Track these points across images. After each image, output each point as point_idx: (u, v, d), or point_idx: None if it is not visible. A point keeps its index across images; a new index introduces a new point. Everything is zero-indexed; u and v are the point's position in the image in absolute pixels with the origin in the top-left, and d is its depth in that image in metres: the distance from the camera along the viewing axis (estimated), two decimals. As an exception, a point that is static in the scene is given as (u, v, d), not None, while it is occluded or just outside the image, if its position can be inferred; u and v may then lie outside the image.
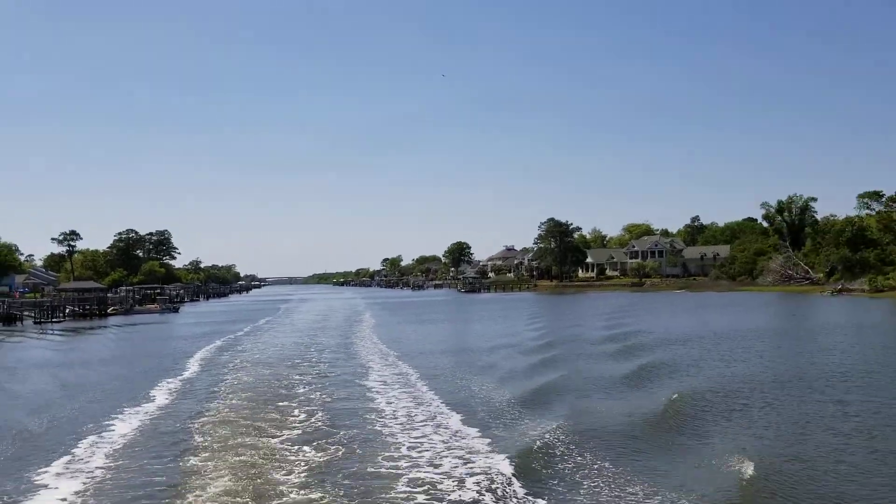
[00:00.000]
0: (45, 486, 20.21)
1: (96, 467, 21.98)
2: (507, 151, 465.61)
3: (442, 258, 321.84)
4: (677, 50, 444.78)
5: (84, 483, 20.40)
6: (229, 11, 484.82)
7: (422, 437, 24.05)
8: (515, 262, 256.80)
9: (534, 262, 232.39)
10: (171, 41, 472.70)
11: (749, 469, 18.83)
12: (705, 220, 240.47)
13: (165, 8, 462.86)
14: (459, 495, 17.90)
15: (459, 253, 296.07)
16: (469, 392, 33.21)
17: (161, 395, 35.51)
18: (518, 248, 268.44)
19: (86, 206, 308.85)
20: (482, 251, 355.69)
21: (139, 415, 30.14)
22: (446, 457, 21.47)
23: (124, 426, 27.75)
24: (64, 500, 18.97)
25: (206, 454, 22.89)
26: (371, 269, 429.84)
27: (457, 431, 24.52)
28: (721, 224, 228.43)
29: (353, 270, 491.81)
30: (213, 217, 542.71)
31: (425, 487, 18.58)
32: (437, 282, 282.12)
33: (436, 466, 20.39)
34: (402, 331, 74.15)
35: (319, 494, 18.53)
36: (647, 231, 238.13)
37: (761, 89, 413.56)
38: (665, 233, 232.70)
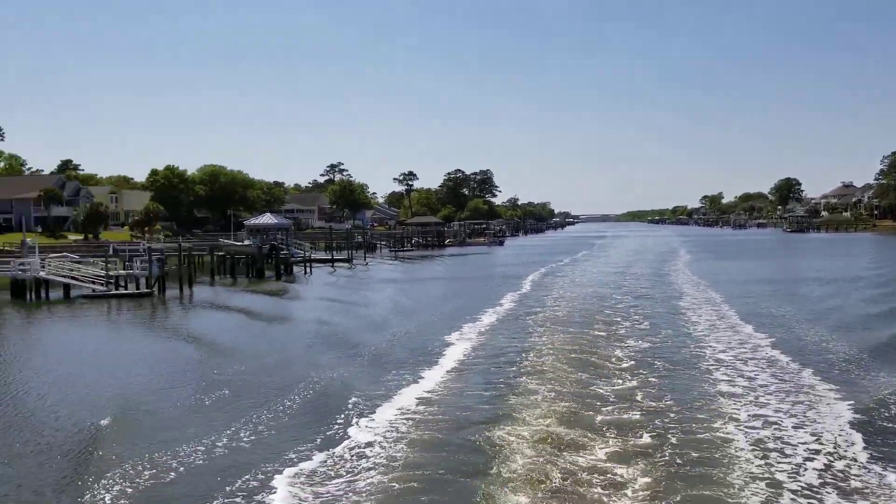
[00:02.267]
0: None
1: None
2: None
3: (768, 196, 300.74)
4: None
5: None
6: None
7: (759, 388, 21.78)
8: (853, 199, 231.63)
9: (874, 200, 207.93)
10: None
11: None
12: None
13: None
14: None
15: (788, 190, 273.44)
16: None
17: (506, 302, 43.23)
18: (858, 184, 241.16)
19: (419, 149, 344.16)
20: (813, 189, 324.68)
21: (494, 314, 38.03)
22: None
23: (488, 318, 35.93)
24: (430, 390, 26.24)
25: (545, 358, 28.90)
26: (688, 207, 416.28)
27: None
28: None
29: (669, 208, 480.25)
30: (529, 154, 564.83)
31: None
32: (760, 220, 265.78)
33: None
34: (720, 268, 74.53)
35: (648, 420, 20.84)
36: None
37: None
38: None
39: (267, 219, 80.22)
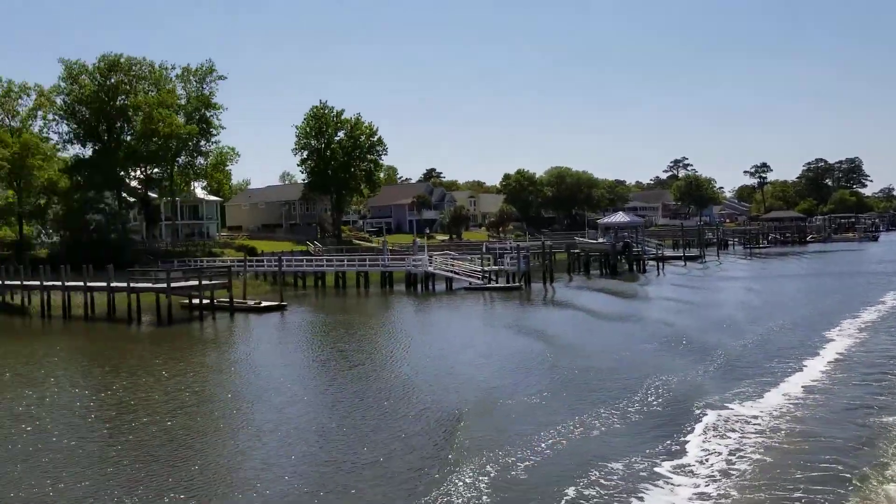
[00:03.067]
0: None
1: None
2: None
3: None
4: None
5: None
6: None
7: None
8: None
9: None
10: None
11: None
12: None
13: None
14: None
15: None
16: None
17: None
18: None
19: (771, 139, 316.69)
20: None
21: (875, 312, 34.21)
22: None
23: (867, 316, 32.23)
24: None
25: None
26: None
27: None
28: None
29: None
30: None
31: None
32: None
33: None
34: None
35: None
36: None
37: None
38: None
39: (619, 217, 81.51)
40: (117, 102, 73.82)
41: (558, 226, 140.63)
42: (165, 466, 15.98)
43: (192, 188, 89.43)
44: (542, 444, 16.75)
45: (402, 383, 24.04)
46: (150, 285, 45.28)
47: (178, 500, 14.01)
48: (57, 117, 76.00)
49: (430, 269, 57.65)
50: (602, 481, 14.46)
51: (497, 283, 56.36)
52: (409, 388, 23.23)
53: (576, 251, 73.72)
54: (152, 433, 18.79)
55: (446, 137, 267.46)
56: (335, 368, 28.08)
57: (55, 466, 16.16)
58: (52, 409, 21.71)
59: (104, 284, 45.85)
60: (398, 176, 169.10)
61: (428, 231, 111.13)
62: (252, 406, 21.68)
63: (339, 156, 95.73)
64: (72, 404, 22.46)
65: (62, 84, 74.59)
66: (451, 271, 57.53)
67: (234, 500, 14.24)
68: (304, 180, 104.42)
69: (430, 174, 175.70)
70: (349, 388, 23.85)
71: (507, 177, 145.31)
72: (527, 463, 15.60)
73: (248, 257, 64.75)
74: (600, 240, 75.79)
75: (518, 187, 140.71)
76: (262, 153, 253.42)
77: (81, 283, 46.75)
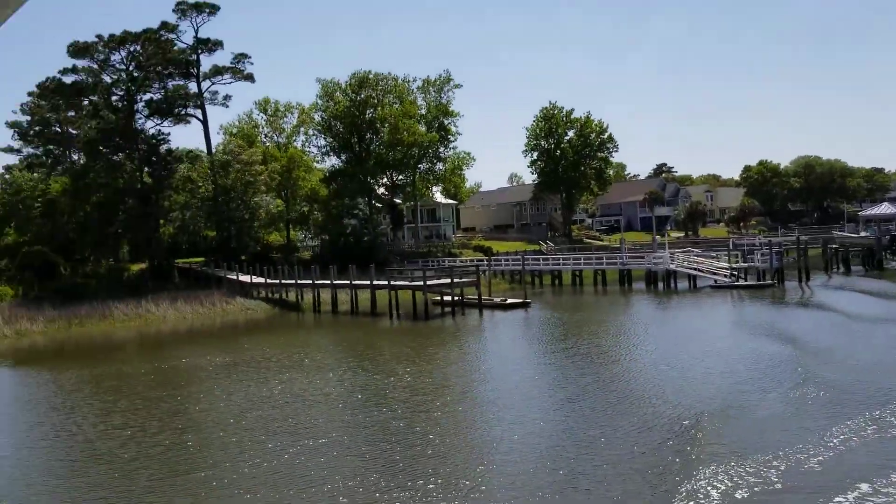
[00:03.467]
0: None
1: None
2: None
3: None
4: None
5: None
6: None
7: None
8: None
9: None
10: None
11: None
12: None
13: None
14: None
15: None
16: None
17: None
18: None
19: None
20: None
21: None
22: None
23: None
24: None
25: None
26: None
27: None
28: None
29: None
30: None
31: None
32: None
33: None
34: None
35: None
36: None
37: None
38: None
39: (884, 208, 73.66)
40: (367, 116, 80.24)
41: (807, 219, 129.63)
42: (453, 440, 17.43)
43: (431, 192, 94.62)
44: (800, 455, 15.63)
45: (644, 383, 23.74)
46: (407, 283, 48.86)
47: (460, 464, 15.26)
48: (315, 132, 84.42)
49: (672, 266, 56.07)
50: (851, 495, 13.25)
51: (746, 280, 53.48)
52: (650, 388, 22.78)
53: (833, 246, 67.71)
54: (448, 412, 20.49)
55: (678, 131, 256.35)
56: (580, 363, 28.45)
57: (374, 439, 18.25)
58: (354, 391, 24.38)
59: (367, 283, 50.25)
60: (626, 172, 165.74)
61: (670, 227, 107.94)
62: (510, 395, 22.78)
63: (569, 155, 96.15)
64: (367, 386, 25.06)
65: (319, 101, 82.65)
66: (695, 269, 55.50)
67: (491, 474, 15.11)
68: (533, 181, 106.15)
69: (661, 169, 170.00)
70: (593, 383, 24.13)
71: (747, 168, 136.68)
72: (773, 474, 14.67)
73: (489, 257, 67.27)
74: (862, 233, 68.94)
75: (760, 179, 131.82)
76: (490, 156, 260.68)
77: (347, 282, 51.63)
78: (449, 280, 47.39)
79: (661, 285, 56.56)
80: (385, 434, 18.75)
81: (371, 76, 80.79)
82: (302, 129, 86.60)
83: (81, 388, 27.74)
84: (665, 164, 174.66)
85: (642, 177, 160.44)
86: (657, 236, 64.54)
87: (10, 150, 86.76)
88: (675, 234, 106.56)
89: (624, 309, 48.94)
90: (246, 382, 26.97)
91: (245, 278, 59.46)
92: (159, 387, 27.35)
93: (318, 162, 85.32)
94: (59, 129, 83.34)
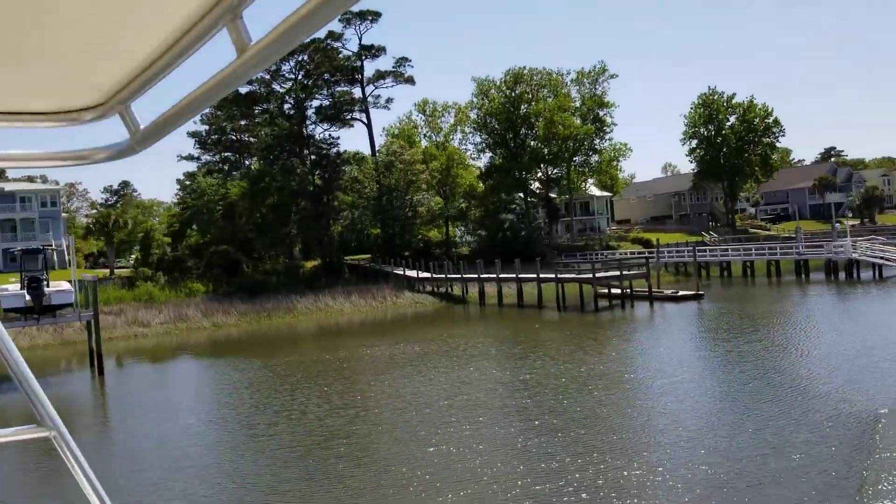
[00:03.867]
0: None
1: None
2: None
3: None
4: None
5: None
6: None
7: None
8: None
9: None
10: None
11: None
12: None
13: None
14: None
15: None
16: None
17: None
18: None
19: None
20: None
21: None
22: None
23: None
24: None
25: None
26: None
27: None
28: None
29: None
30: None
31: None
32: None
33: None
34: None
35: None
36: None
37: None
38: None
39: None
40: (521, 111, 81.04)
41: None
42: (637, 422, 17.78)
43: (586, 185, 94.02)
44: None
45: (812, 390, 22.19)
46: (574, 276, 49.20)
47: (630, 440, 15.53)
48: (471, 130, 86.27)
49: (855, 255, 52.78)
50: None
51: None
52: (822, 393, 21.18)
53: None
54: (647, 398, 20.88)
55: (848, 111, 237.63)
56: (761, 357, 27.62)
57: (576, 423, 18.98)
58: (549, 378, 25.21)
59: (533, 276, 51.05)
60: (790, 158, 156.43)
61: (848, 214, 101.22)
62: (691, 385, 22.70)
63: (731, 141, 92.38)
64: (562, 375, 25.81)
65: (474, 100, 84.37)
66: (881, 258, 51.95)
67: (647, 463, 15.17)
68: (693, 169, 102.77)
69: (830, 153, 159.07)
70: (786, 374, 23.48)
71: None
72: None
73: (657, 248, 66.08)
74: None
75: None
76: (644, 146, 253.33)
77: (513, 276, 52.69)
78: (618, 272, 47.23)
79: (842, 275, 53.43)
80: (596, 420, 19.38)
81: (525, 72, 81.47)
82: (458, 127, 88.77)
83: (293, 373, 30.32)
84: (834, 148, 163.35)
85: (807, 162, 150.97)
86: (837, 223, 60.81)
87: (191, 157, 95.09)
88: (850, 222, 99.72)
89: (804, 300, 46.71)
90: (441, 369, 28.49)
91: (412, 273, 61.95)
92: (365, 371, 29.51)
93: (473, 159, 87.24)
94: (234, 137, 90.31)
